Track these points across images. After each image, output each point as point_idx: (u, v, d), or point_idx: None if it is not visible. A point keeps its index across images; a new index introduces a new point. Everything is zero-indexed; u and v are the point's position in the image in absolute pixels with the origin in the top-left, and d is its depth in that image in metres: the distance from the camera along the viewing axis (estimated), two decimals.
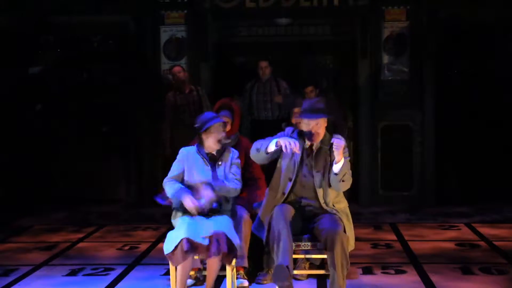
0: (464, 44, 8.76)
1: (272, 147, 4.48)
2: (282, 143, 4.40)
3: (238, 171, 4.85)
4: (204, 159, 4.76)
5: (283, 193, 4.66)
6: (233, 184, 4.76)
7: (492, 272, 5.55)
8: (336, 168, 4.50)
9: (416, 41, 8.57)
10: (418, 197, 8.65)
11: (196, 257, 4.60)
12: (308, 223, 4.65)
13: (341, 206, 4.68)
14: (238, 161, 4.88)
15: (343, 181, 4.53)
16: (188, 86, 8.08)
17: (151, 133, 8.64)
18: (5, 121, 8.84)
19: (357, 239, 6.72)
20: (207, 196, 4.64)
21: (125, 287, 5.36)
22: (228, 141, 4.88)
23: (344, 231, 4.51)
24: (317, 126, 4.57)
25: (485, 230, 7.10)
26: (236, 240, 4.55)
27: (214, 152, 4.80)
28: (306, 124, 4.58)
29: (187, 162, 4.78)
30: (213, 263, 4.60)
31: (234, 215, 4.89)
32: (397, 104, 8.60)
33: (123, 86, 9.01)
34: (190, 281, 5.14)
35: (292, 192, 4.68)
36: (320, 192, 4.60)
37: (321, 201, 4.60)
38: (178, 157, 4.84)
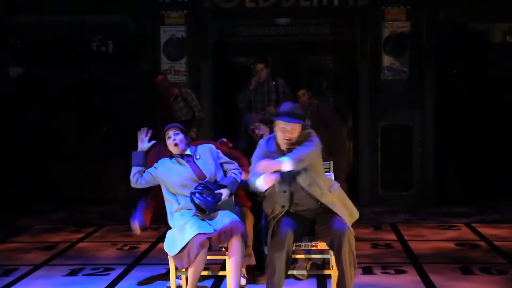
0: (464, 44, 8.76)
1: (264, 187, 4.36)
2: (266, 183, 4.29)
3: (226, 157, 5.00)
4: (177, 159, 4.85)
5: (283, 206, 4.53)
6: (237, 174, 4.90)
7: (492, 272, 5.55)
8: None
9: (416, 41, 8.57)
10: (418, 197, 8.66)
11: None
12: (310, 222, 4.61)
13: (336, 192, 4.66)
14: (217, 150, 4.99)
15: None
16: (172, 93, 7.89)
17: (151, 133, 8.62)
18: (5, 121, 8.84)
19: (357, 239, 6.73)
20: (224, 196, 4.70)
21: (125, 287, 5.37)
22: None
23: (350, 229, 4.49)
24: (292, 130, 4.44)
25: (485, 230, 7.10)
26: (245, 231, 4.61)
27: (187, 152, 4.89)
28: (282, 127, 4.45)
29: (161, 171, 4.84)
30: (232, 259, 4.55)
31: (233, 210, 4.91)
32: (397, 104, 8.60)
33: (123, 86, 9.00)
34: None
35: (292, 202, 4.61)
36: (314, 191, 4.50)
37: (319, 195, 4.50)
38: (154, 165, 4.92)
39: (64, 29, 9.16)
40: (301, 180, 4.48)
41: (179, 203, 4.75)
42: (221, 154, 4.99)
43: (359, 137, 8.83)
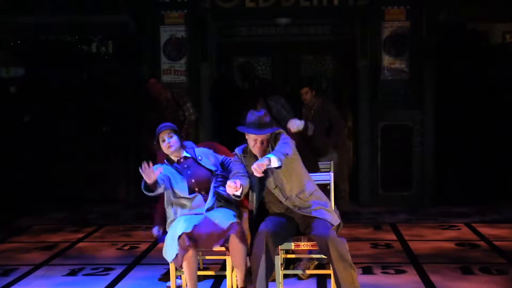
0: (464, 44, 8.76)
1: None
2: (232, 189, 4.22)
3: (223, 156, 4.96)
4: (177, 169, 4.76)
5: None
6: None
7: (492, 272, 5.55)
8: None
9: (416, 41, 8.57)
10: (418, 197, 8.65)
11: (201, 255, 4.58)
12: (295, 223, 4.59)
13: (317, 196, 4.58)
14: (210, 150, 4.96)
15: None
16: (164, 96, 7.75)
17: (151, 133, 8.61)
18: (5, 121, 8.84)
19: (357, 239, 6.76)
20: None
21: (125, 287, 5.37)
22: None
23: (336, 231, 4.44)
24: (263, 139, 4.42)
25: (485, 230, 7.10)
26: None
27: (185, 154, 4.84)
28: (254, 138, 4.41)
29: (167, 179, 4.72)
30: (236, 253, 4.48)
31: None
32: (397, 104, 8.60)
33: (123, 86, 9.00)
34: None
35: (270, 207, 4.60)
36: (278, 194, 4.47)
37: (283, 199, 4.47)
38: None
39: (64, 29, 9.16)
40: (268, 183, 4.46)
41: (175, 214, 4.74)
42: (218, 154, 4.95)
43: (359, 137, 8.83)
